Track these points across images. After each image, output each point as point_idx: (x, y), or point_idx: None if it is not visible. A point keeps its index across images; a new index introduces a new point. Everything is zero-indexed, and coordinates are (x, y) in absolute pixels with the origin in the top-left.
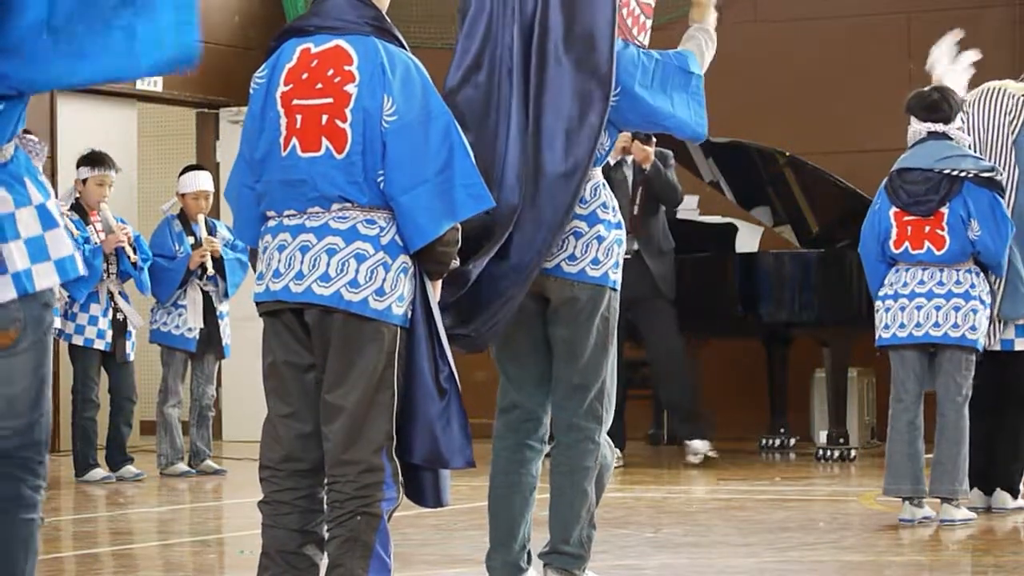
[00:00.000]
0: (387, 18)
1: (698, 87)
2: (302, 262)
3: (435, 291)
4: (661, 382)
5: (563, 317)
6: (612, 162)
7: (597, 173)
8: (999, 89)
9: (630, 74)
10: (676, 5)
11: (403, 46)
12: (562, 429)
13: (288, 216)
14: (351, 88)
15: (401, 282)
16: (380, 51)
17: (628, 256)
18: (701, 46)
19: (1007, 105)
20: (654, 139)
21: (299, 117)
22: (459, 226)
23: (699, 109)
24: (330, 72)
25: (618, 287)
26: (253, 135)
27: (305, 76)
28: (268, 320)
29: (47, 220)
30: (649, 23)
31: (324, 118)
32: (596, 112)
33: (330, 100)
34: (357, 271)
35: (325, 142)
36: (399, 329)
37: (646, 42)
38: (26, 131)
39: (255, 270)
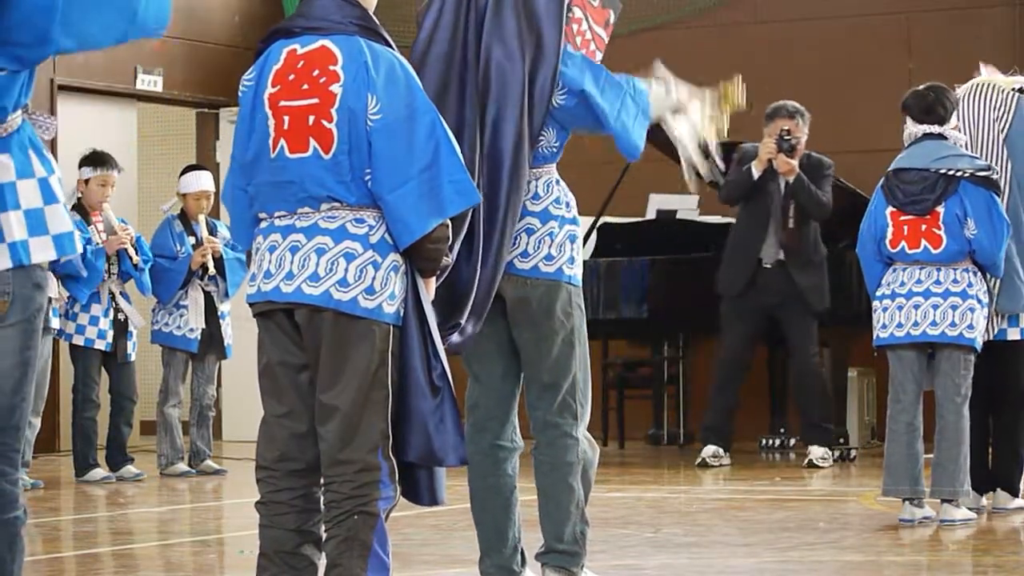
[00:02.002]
0: (373, 17)
1: (647, 106)
2: (292, 262)
3: (428, 289)
4: (794, 387)
5: (521, 319)
6: (758, 174)
7: (551, 170)
8: (988, 84)
9: (580, 71)
10: (676, 6)
11: (389, 45)
12: (539, 428)
13: (278, 217)
14: (336, 88)
15: (392, 280)
16: (364, 50)
17: (768, 266)
18: (653, 88)
19: (995, 101)
20: (800, 151)
21: (286, 118)
22: (448, 222)
23: (642, 126)
24: (315, 72)
25: (577, 282)
26: (243, 137)
27: (292, 77)
28: (261, 321)
29: (48, 194)
30: (600, 56)
31: (311, 119)
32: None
33: (316, 100)
34: (346, 270)
35: (312, 142)
36: (391, 327)
37: None
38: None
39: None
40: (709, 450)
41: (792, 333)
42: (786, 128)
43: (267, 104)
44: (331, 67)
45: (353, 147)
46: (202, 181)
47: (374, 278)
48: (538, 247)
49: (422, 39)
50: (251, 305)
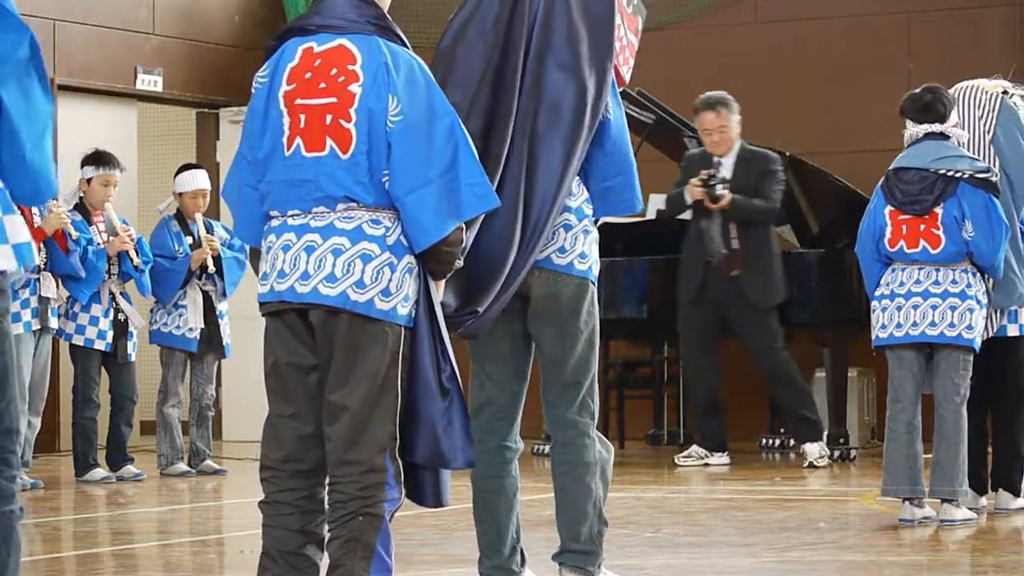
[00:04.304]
0: (388, 16)
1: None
2: (307, 262)
3: (438, 290)
4: (768, 386)
5: (546, 315)
6: (690, 201)
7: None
8: (973, 87)
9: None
10: (676, 6)
11: (405, 45)
12: (558, 427)
13: (292, 216)
14: (355, 88)
15: (406, 282)
16: (384, 51)
17: (717, 265)
18: None
19: (979, 101)
20: (723, 182)
21: (302, 117)
22: (463, 226)
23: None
24: (333, 71)
25: (596, 283)
26: (255, 134)
27: (308, 75)
28: (271, 320)
29: (5, 205)
30: (632, 62)
31: (328, 118)
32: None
33: (334, 100)
34: (363, 271)
35: (329, 142)
36: (403, 329)
37: (627, 77)
38: None
39: (256, 270)
40: (690, 449)
41: (745, 333)
42: (709, 172)
43: (282, 101)
44: (350, 66)
45: (372, 147)
46: (198, 180)
47: (390, 280)
48: (574, 244)
49: (452, 33)
50: (262, 304)
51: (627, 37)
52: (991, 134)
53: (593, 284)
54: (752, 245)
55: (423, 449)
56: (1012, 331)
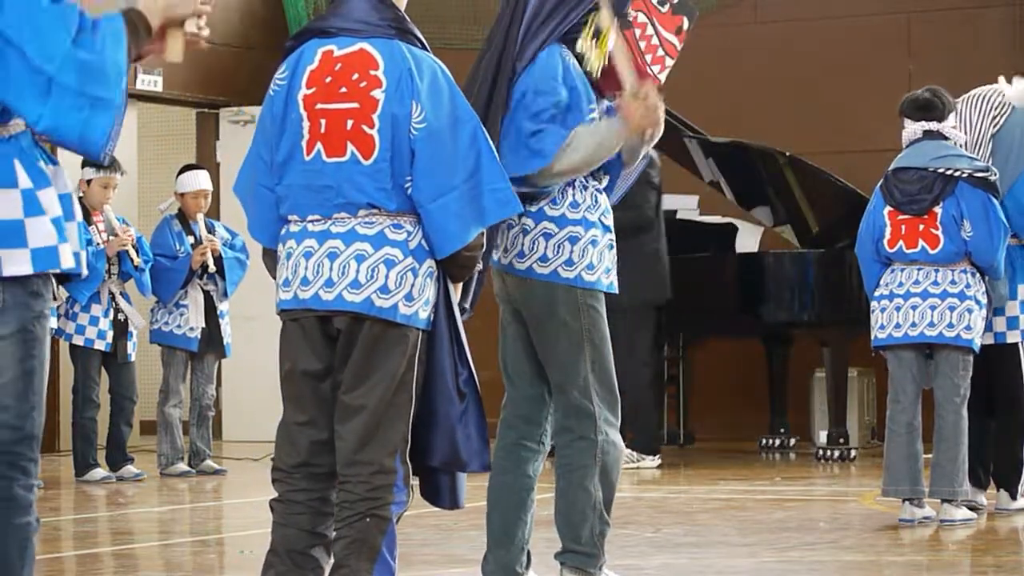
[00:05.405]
0: (407, 19)
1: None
2: (331, 269)
3: (455, 294)
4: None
5: (529, 321)
6: None
7: None
8: (993, 89)
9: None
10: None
11: (426, 48)
12: (555, 431)
13: (312, 221)
14: (378, 93)
15: (428, 286)
16: (407, 56)
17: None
18: (598, 136)
19: (995, 101)
20: None
21: (323, 121)
22: (484, 231)
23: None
24: (355, 76)
25: (582, 284)
26: (273, 137)
27: (329, 80)
28: (291, 325)
29: (31, 206)
30: (670, 63)
31: (350, 123)
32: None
33: (356, 105)
34: (387, 277)
35: (351, 147)
36: (421, 332)
37: (662, 78)
38: None
39: (269, 270)
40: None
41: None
42: None
43: (302, 105)
44: (372, 72)
45: (395, 154)
46: (200, 180)
47: (413, 284)
48: (533, 247)
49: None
50: (285, 311)
51: (659, 34)
52: (996, 128)
53: (569, 287)
54: (628, 246)
55: (440, 452)
56: (987, 339)
